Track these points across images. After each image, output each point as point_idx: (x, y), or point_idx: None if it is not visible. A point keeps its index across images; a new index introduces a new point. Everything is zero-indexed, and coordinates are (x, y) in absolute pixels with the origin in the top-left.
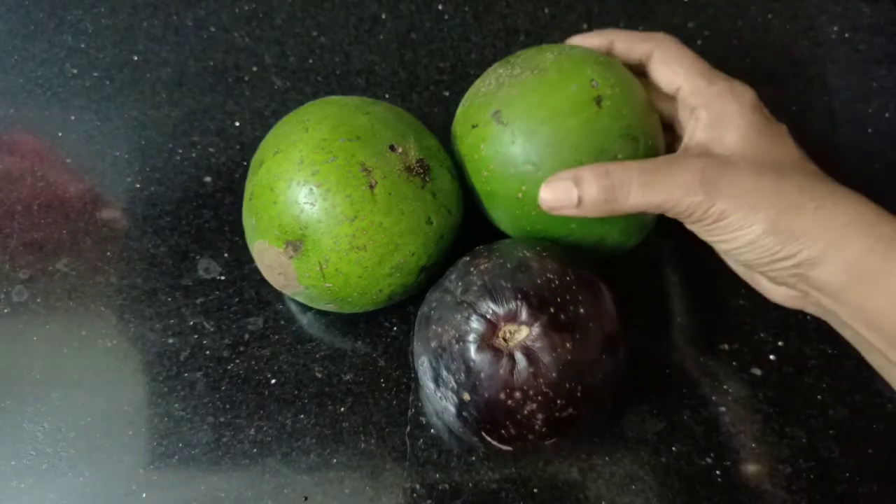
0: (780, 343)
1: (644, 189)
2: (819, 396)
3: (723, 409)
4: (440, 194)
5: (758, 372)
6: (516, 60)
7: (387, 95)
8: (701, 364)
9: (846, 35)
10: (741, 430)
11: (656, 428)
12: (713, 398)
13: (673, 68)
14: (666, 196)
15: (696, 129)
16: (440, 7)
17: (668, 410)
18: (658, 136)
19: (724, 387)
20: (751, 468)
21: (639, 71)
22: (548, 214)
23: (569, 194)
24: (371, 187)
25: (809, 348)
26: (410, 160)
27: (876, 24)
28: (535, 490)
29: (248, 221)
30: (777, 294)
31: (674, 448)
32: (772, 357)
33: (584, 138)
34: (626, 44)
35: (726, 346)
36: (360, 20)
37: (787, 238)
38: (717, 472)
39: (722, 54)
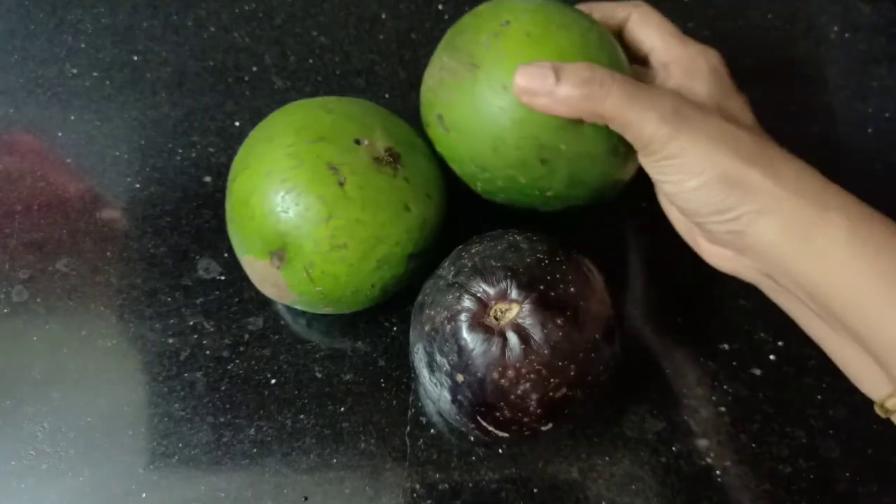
0: (780, 343)
1: (622, 98)
2: (819, 396)
3: (723, 409)
4: (415, 179)
5: (758, 372)
6: (458, 40)
7: (387, 95)
8: (701, 364)
9: (846, 35)
10: (741, 430)
11: (656, 428)
12: (713, 398)
13: (648, 30)
14: (638, 114)
15: (666, 78)
16: (440, 7)
17: (668, 410)
18: None
19: (724, 387)
20: (751, 468)
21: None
22: (512, 198)
23: (545, 80)
24: (341, 185)
25: (809, 348)
26: (378, 151)
27: (876, 24)
28: (535, 490)
29: (235, 239)
30: (713, 255)
31: (674, 448)
32: (772, 357)
33: (523, 137)
34: (603, 13)
35: (726, 346)
36: (360, 20)
37: (734, 188)
38: (717, 472)
39: (722, 54)
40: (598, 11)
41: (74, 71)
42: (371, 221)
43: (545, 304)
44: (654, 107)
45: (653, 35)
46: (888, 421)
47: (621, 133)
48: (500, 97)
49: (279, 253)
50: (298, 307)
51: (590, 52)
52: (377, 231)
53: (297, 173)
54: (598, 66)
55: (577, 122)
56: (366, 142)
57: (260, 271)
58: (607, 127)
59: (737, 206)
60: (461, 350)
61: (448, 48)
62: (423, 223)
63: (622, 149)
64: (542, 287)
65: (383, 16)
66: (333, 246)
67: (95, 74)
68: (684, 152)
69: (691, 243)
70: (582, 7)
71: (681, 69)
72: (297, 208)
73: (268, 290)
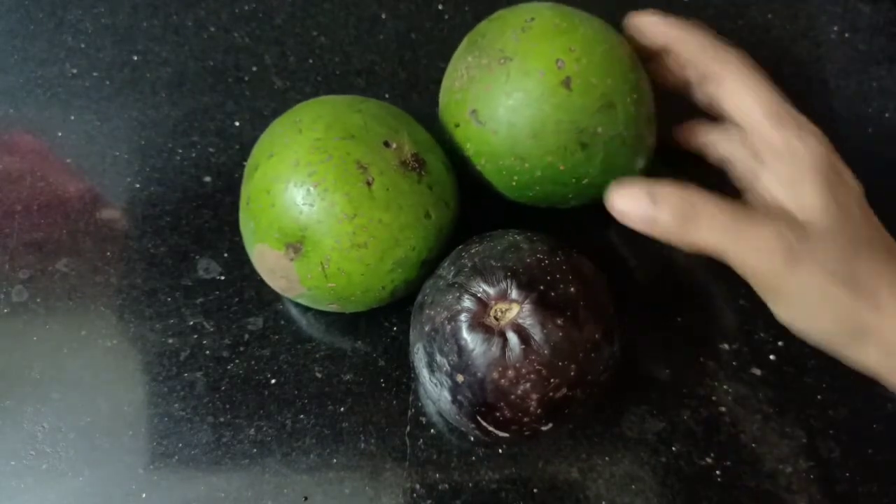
0: (780, 343)
1: (721, 233)
2: (819, 396)
3: (723, 409)
4: (437, 188)
5: (758, 372)
6: (482, 41)
7: (387, 95)
8: (701, 364)
9: (846, 35)
10: (741, 430)
11: (656, 428)
12: (713, 398)
13: (740, 105)
14: (741, 252)
15: (770, 181)
16: (440, 7)
17: (668, 410)
18: (639, 91)
19: (724, 387)
20: (751, 468)
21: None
22: (546, 191)
23: (645, 211)
24: (368, 184)
25: (809, 348)
26: (405, 155)
27: (876, 24)
28: (535, 490)
29: (247, 226)
30: None
31: (674, 448)
32: (772, 357)
33: (562, 122)
34: (692, 56)
35: (726, 346)
36: (360, 20)
37: (849, 328)
38: (717, 472)
39: None
40: (685, 49)
41: (74, 71)
42: (393, 224)
43: (545, 304)
44: (759, 243)
45: (746, 114)
46: (888, 421)
47: (719, 259)
48: (538, 83)
49: (296, 245)
50: (302, 301)
51: (612, 39)
52: (397, 234)
53: (325, 168)
54: (698, 193)
55: (611, 105)
56: (394, 145)
57: (271, 261)
58: (636, 110)
59: (849, 342)
60: (461, 350)
61: (471, 50)
62: (439, 231)
63: (647, 132)
64: (542, 287)
65: (383, 16)
66: (354, 244)
67: (95, 74)
68: (801, 294)
69: None
70: (668, 28)
71: (782, 167)
72: (322, 203)
73: (276, 281)
